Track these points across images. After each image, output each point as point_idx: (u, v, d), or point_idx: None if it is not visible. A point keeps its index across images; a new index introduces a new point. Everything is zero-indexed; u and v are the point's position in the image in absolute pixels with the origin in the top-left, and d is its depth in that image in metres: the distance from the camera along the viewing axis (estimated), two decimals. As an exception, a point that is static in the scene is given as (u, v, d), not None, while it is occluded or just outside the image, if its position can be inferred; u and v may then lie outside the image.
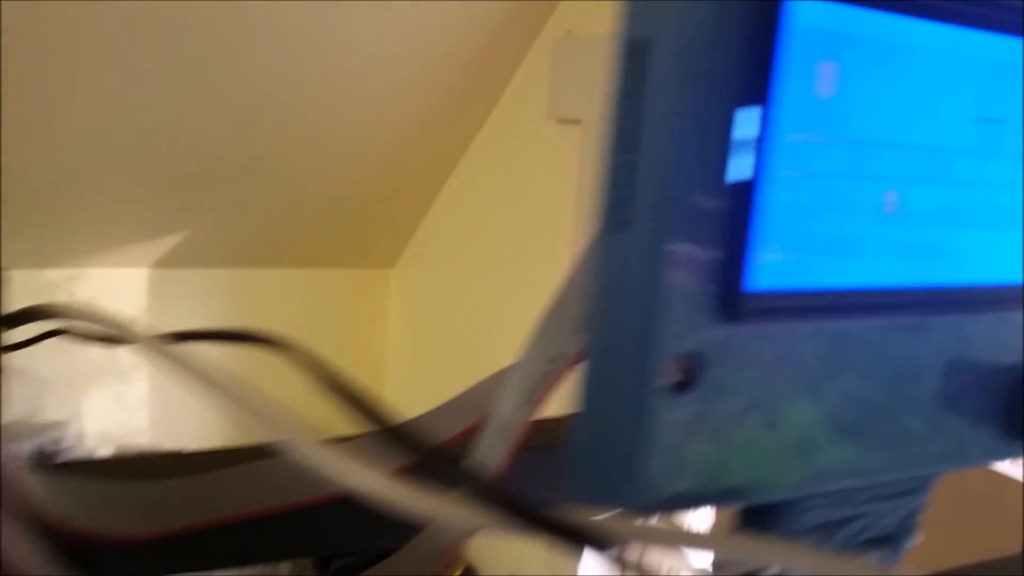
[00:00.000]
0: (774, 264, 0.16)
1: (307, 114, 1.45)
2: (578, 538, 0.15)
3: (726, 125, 0.15)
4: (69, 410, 1.66)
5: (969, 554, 0.29)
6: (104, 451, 1.67)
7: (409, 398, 1.84)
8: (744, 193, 0.15)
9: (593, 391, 0.17)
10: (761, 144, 0.15)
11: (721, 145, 0.15)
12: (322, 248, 1.84)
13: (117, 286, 1.67)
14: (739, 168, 0.15)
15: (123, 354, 1.65)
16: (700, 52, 0.15)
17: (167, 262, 1.70)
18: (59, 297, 1.57)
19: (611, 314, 0.16)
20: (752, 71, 0.15)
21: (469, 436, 0.22)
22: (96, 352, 1.65)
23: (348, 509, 0.21)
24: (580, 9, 1.32)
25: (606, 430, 0.16)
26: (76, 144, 1.33)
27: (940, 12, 0.16)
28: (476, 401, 0.22)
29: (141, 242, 1.62)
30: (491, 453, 0.21)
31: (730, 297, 0.16)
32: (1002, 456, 0.21)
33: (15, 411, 1.61)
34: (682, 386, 0.16)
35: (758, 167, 0.15)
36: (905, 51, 0.16)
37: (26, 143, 1.28)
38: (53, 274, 1.58)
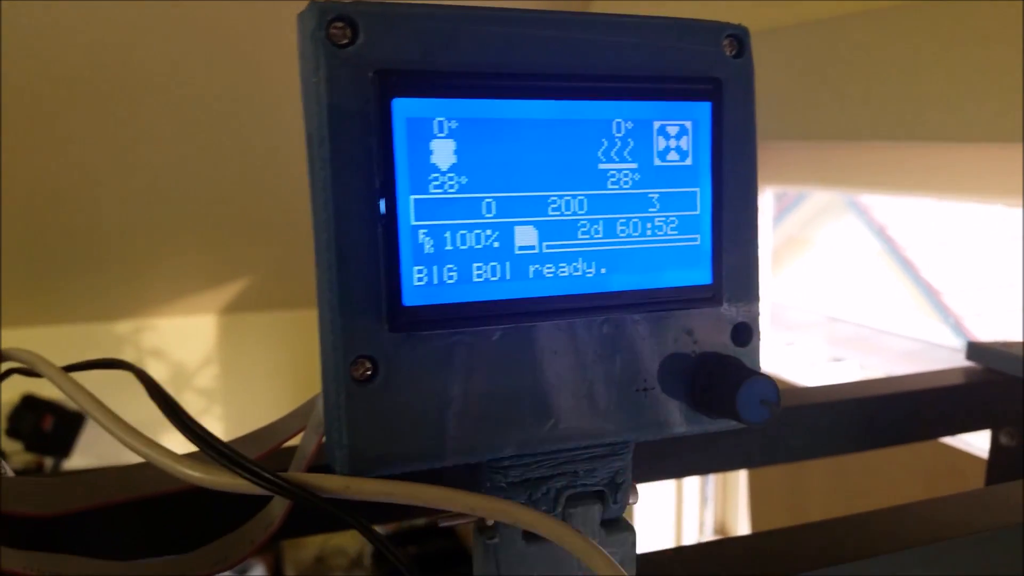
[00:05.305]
0: (425, 287, 0.22)
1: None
2: (289, 492, 0.21)
3: (368, 187, 0.21)
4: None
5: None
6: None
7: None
8: (390, 235, 0.21)
9: (323, 383, 0.23)
10: (394, 200, 0.21)
11: (368, 199, 0.21)
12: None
13: (185, 333, 1.80)
14: (383, 218, 0.21)
15: (189, 398, 1.77)
16: (343, 139, 0.21)
17: (233, 307, 1.82)
18: (127, 349, 1.71)
19: (322, 327, 0.22)
20: (378, 149, 0.21)
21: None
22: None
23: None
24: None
25: (329, 412, 0.23)
26: (140, 202, 1.46)
27: (521, 91, 0.22)
28: (304, 411, 0.29)
29: (207, 290, 1.74)
30: (308, 444, 0.27)
31: (393, 311, 0.22)
32: (688, 427, 0.26)
33: (98, 455, 1.74)
34: (368, 380, 0.22)
35: (393, 217, 0.21)
36: (506, 125, 0.22)
37: (92, 204, 1.41)
38: (121, 326, 1.72)
